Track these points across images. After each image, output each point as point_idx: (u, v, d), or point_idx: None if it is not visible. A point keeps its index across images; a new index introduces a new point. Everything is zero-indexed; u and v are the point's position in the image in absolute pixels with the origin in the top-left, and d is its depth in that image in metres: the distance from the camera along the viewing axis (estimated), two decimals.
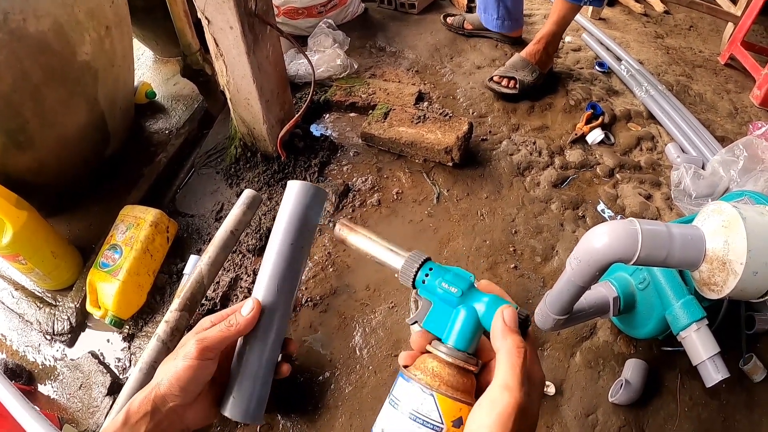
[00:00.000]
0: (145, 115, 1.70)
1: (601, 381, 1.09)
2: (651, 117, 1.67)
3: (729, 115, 1.73)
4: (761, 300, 0.74)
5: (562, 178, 1.43)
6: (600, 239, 0.72)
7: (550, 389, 1.06)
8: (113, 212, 1.28)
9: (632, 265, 0.73)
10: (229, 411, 0.52)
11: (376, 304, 1.17)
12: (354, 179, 1.38)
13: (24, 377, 1.19)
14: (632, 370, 1.06)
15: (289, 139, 1.37)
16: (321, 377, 1.09)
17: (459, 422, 0.42)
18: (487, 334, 0.46)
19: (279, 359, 0.55)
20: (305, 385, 1.08)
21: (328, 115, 1.57)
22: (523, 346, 0.42)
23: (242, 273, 1.25)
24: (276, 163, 1.37)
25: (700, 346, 0.84)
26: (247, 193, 1.08)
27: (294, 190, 0.54)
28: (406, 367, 0.47)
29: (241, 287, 1.23)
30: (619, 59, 1.87)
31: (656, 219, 1.37)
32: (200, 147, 1.56)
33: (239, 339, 0.54)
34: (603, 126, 1.58)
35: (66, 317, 1.22)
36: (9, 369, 1.19)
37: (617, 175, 1.48)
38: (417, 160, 1.41)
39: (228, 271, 1.26)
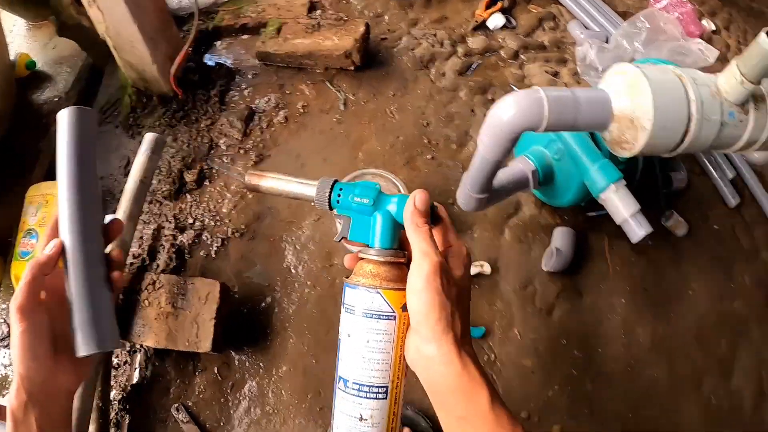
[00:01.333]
0: (30, 87, 1.56)
1: (533, 253, 1.13)
2: None
3: None
4: (673, 154, 0.76)
5: (467, 65, 1.43)
6: (506, 110, 0.72)
7: (485, 268, 1.09)
8: (19, 197, 1.19)
9: (542, 132, 0.73)
10: (81, 348, 0.52)
11: (301, 220, 1.17)
12: (257, 101, 1.33)
13: None
14: (560, 237, 1.10)
15: (182, 75, 1.30)
16: (263, 304, 1.09)
17: (405, 307, 0.48)
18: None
19: (106, 273, 0.56)
20: (250, 316, 1.08)
21: (219, 43, 1.48)
22: (425, 222, 0.48)
23: (163, 221, 1.21)
24: (174, 102, 1.31)
25: (620, 205, 0.86)
26: (149, 138, 1.03)
27: (63, 119, 0.55)
28: (347, 278, 0.52)
29: (165, 236, 1.19)
30: None
31: None
32: (93, 105, 1.46)
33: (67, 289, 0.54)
34: (503, 11, 1.56)
35: (2, 321, 1.16)
36: None
37: (522, 57, 1.49)
38: (318, 70, 1.37)
39: (148, 223, 1.22)
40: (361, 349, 0.49)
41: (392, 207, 0.51)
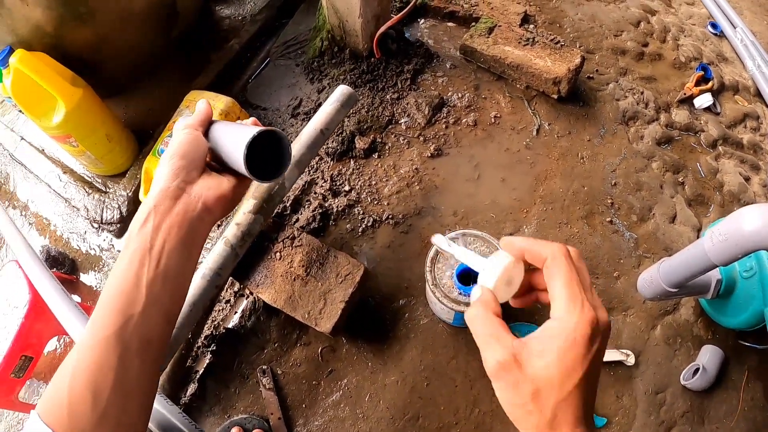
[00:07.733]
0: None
1: (676, 361, 1.03)
2: (758, 95, 1.53)
3: None
4: None
5: (667, 137, 1.31)
6: (754, 221, 0.65)
7: (630, 359, 1.01)
8: (176, 97, 1.16)
9: None
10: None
11: None
12: (449, 93, 1.25)
13: (67, 266, 1.12)
14: (709, 357, 1.01)
15: (382, 39, 1.24)
16: (395, 304, 1.01)
17: None
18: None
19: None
20: (376, 310, 1.01)
21: (423, 21, 1.41)
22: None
23: (318, 177, 1.15)
24: (365, 62, 1.25)
25: None
26: (342, 90, 0.96)
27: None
28: None
29: (315, 193, 1.13)
30: (733, 26, 1.70)
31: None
32: (278, 36, 1.42)
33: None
34: (711, 92, 1.44)
35: (116, 205, 1.13)
36: (51, 257, 1.11)
37: (720, 148, 1.36)
38: (518, 86, 1.28)
39: (303, 173, 1.16)
40: None
41: None
